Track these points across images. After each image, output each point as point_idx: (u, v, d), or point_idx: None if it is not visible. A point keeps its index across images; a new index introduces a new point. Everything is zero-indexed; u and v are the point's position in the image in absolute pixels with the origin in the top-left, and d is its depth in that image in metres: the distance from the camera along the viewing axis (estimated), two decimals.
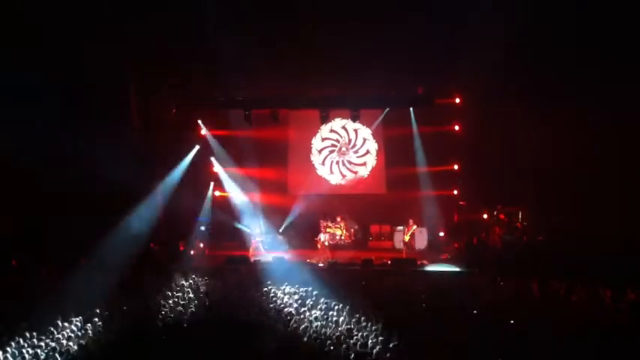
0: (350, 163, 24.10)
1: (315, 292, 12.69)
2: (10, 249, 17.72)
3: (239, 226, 21.93)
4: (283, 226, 23.33)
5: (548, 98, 17.31)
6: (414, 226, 20.54)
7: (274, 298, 12.42)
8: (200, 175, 22.71)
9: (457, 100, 21.48)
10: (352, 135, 24.08)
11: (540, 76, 17.25)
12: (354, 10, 17.27)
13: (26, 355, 9.15)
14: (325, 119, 22.89)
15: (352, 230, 22.82)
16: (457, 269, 17.73)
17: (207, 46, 18.11)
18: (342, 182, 24.09)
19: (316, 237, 19.84)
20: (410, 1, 17.28)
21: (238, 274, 16.05)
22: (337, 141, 24.22)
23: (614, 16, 15.51)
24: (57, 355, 9.04)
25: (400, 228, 21.83)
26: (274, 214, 23.45)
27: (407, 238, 20.10)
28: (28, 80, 17.40)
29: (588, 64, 16.24)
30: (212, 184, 23.72)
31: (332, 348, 9.08)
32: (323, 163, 24.19)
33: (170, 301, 12.12)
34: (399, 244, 20.87)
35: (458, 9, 17.10)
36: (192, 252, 19.88)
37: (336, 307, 11.32)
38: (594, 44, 16.00)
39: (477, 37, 17.58)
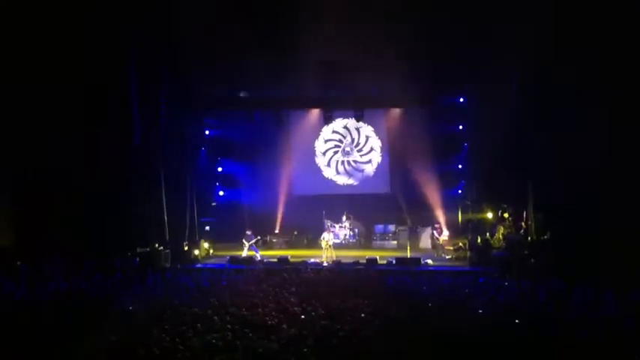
0: (355, 162, 24.15)
1: None
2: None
3: (243, 226, 21.90)
4: (287, 226, 23.39)
5: (551, 96, 17.26)
6: (446, 231, 20.54)
7: None
8: (204, 176, 22.74)
9: (461, 100, 21.47)
10: (356, 134, 24.13)
11: (542, 75, 17.19)
12: (357, 11, 17.24)
13: None
14: (329, 120, 22.89)
15: (356, 230, 22.85)
16: (461, 268, 17.73)
17: (211, 46, 18.12)
18: (348, 182, 24.12)
19: (320, 236, 19.83)
20: (413, 1, 17.24)
21: None
22: (341, 140, 24.25)
23: (617, 15, 15.49)
24: None
25: (403, 227, 21.96)
26: (279, 214, 23.52)
27: (443, 238, 20.19)
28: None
29: (589, 64, 16.20)
30: (216, 184, 23.79)
31: None
32: (328, 164, 24.26)
33: None
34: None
35: (460, 9, 17.07)
36: (196, 252, 19.89)
37: None
38: (595, 44, 15.97)
39: (481, 37, 17.60)
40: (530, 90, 17.62)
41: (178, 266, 17.67)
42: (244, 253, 19.68)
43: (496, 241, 19.27)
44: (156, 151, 19.49)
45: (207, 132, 22.82)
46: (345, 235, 22.67)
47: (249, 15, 16.99)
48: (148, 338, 9.34)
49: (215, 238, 21.88)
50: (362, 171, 24.12)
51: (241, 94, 21.96)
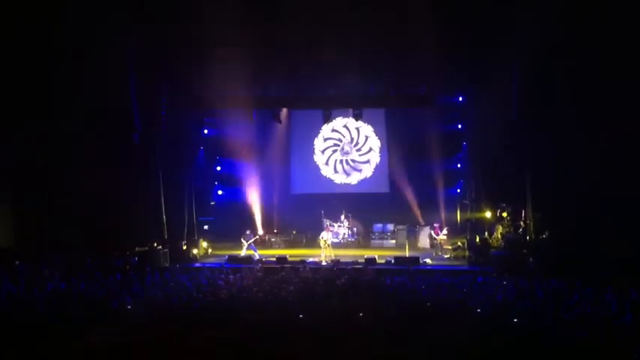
0: (354, 161, 24.15)
1: None
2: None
3: (242, 225, 21.86)
4: (286, 225, 23.37)
5: (551, 96, 17.29)
6: (444, 230, 20.44)
7: None
8: (203, 175, 22.73)
9: (460, 99, 21.46)
10: (354, 133, 24.13)
11: (542, 74, 17.23)
12: (357, 10, 17.25)
13: None
14: (327, 118, 22.85)
15: (355, 229, 22.84)
16: (460, 268, 17.74)
17: (210, 46, 18.11)
18: (346, 181, 24.11)
19: (319, 236, 19.83)
20: (412, 1, 17.25)
21: None
22: (340, 140, 24.25)
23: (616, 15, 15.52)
24: None
25: (402, 227, 21.95)
26: (277, 213, 23.50)
27: (441, 238, 20.12)
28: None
29: (589, 63, 16.24)
30: (215, 183, 23.78)
31: None
32: (326, 162, 24.25)
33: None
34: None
35: (460, 9, 17.09)
36: (194, 251, 19.89)
37: None
38: (595, 44, 16.01)
39: (480, 36, 17.62)
40: (530, 89, 17.64)
41: (177, 265, 17.65)
42: (243, 252, 19.69)
43: (495, 241, 19.26)
44: (155, 151, 19.47)
45: (205, 131, 22.80)
46: (344, 234, 22.64)
47: (248, 15, 16.97)
48: (146, 337, 9.36)
49: (214, 238, 21.86)
50: (360, 171, 24.10)
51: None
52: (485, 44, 17.60)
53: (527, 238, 18.27)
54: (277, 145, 23.79)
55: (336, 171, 24.22)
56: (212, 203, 23.61)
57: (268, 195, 23.57)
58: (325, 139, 24.29)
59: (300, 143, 24.38)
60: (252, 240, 20.00)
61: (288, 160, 24.37)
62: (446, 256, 19.64)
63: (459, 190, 22.29)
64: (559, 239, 17.21)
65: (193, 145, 21.96)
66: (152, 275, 14.72)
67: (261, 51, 18.15)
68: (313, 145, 24.33)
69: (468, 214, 21.01)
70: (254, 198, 23.36)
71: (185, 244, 19.90)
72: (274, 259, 18.75)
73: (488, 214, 20.18)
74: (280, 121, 22.38)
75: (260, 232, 22.29)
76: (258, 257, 19.35)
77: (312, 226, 22.69)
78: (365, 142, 24.10)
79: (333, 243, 19.98)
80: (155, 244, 18.74)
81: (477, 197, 20.79)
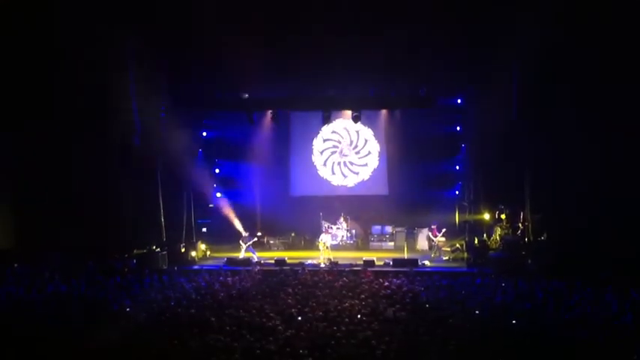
0: (352, 164, 24.10)
1: None
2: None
3: (240, 227, 21.79)
4: (285, 228, 23.31)
5: (549, 97, 17.30)
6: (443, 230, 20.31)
7: None
8: (202, 177, 22.67)
9: (459, 101, 21.45)
10: (354, 136, 24.08)
11: (541, 76, 17.23)
12: (357, 11, 17.24)
13: None
14: (327, 120, 22.80)
15: (354, 231, 22.81)
16: (458, 269, 17.71)
17: (210, 47, 18.10)
18: (343, 182, 24.06)
19: (318, 238, 19.80)
20: (412, 1, 17.24)
21: None
22: (339, 142, 24.20)
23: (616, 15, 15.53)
24: None
25: (400, 229, 21.91)
26: (276, 215, 23.44)
27: (439, 239, 19.97)
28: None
29: (588, 64, 16.24)
30: (214, 185, 23.73)
31: None
32: (324, 164, 24.19)
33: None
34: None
35: (460, 9, 17.08)
36: (193, 253, 19.83)
37: None
38: (595, 45, 16.01)
39: (479, 37, 17.61)
40: (530, 89, 17.65)
41: (175, 268, 17.60)
42: (242, 254, 19.65)
43: (493, 242, 19.25)
44: (154, 152, 19.43)
45: (204, 133, 22.77)
46: (343, 236, 22.61)
47: (248, 15, 16.96)
48: (145, 340, 9.33)
49: (212, 240, 21.81)
50: (357, 174, 24.03)
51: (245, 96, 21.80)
52: (485, 44, 17.60)
53: (526, 239, 18.26)
54: (276, 147, 23.73)
55: (333, 172, 24.17)
56: (210, 205, 23.55)
57: (267, 197, 23.52)
58: (325, 140, 24.25)
59: (300, 145, 24.32)
60: (251, 242, 19.96)
61: (287, 162, 24.32)
62: (445, 258, 19.61)
63: (457, 192, 22.27)
64: (559, 239, 17.21)
65: (192, 146, 21.91)
66: (151, 278, 14.68)
67: (261, 52, 18.10)
68: (312, 144, 24.25)
69: (467, 216, 21.01)
70: (253, 200, 23.33)
71: (183, 246, 19.84)
72: (273, 261, 18.72)
73: (486, 216, 20.18)
74: (279, 123, 22.35)
75: (259, 234, 22.22)
76: (256, 259, 19.30)
77: (310, 228, 22.67)
78: (364, 146, 24.05)
79: (331, 245, 19.94)
80: (153, 247, 18.68)
81: (475, 199, 20.81)
